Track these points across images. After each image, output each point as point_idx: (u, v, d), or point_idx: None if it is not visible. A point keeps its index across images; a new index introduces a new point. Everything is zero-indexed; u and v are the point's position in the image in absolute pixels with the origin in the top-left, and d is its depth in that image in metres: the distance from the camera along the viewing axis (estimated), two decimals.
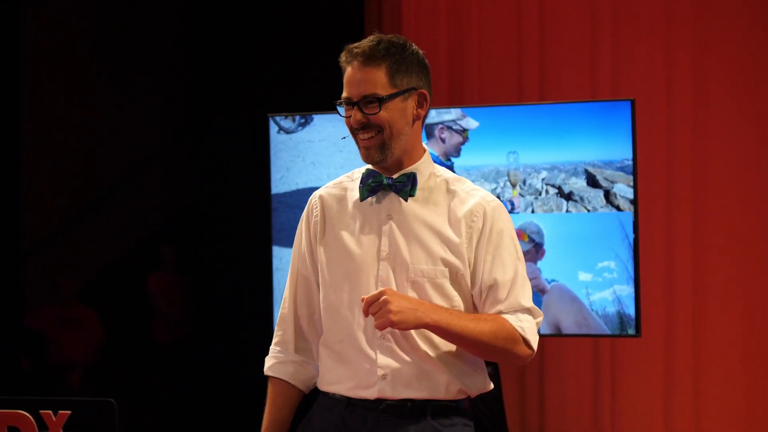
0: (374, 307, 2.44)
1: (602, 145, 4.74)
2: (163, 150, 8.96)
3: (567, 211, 4.77)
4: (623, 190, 4.70)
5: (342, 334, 2.61)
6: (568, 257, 4.79)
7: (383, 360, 2.56)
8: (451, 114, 4.90)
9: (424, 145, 2.67)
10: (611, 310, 4.74)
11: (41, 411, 3.39)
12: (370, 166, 2.64)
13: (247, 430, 3.77)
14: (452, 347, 2.56)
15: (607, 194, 4.72)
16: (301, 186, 4.99)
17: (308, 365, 2.73)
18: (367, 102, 2.55)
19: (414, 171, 2.61)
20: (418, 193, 2.61)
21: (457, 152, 4.89)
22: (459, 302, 2.58)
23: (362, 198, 2.62)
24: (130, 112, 8.80)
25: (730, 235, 5.67)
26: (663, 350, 5.75)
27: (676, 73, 5.77)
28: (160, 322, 7.90)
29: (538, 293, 4.78)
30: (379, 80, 2.55)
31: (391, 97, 2.55)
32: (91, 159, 8.62)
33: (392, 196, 2.61)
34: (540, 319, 2.62)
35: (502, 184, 4.82)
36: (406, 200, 2.59)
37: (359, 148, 2.60)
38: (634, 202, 4.69)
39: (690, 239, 5.72)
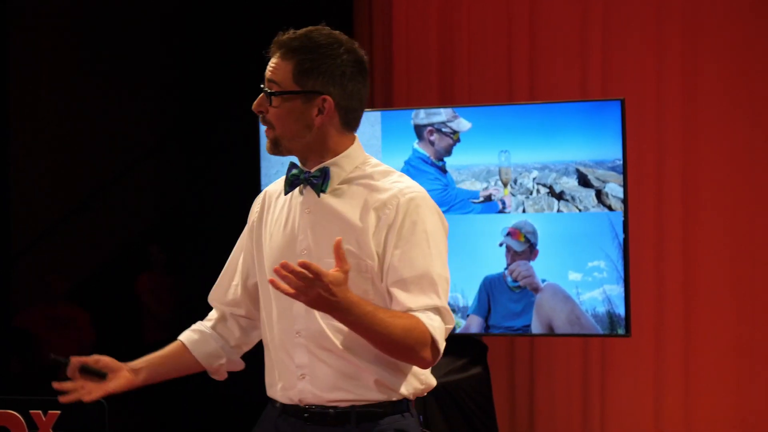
0: (309, 280, 2.26)
1: (593, 144, 4.75)
2: (152, 150, 8.94)
3: (558, 210, 4.77)
4: (615, 189, 4.70)
5: (270, 334, 2.58)
6: (558, 257, 4.79)
7: (300, 359, 2.50)
8: (441, 115, 4.89)
9: (354, 136, 2.57)
10: (601, 309, 4.74)
11: (31, 411, 3.39)
12: (293, 158, 2.58)
13: (236, 431, 3.77)
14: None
15: (599, 194, 4.72)
16: None
17: (217, 342, 2.72)
18: (266, 93, 2.50)
19: (329, 166, 2.51)
20: (336, 187, 2.50)
21: (448, 152, 4.88)
22: (373, 297, 2.45)
23: (285, 192, 2.57)
24: (120, 112, 8.78)
25: (720, 234, 5.68)
26: (653, 350, 5.75)
27: (665, 72, 5.77)
28: (149, 322, 7.89)
29: (532, 292, 4.78)
30: (284, 74, 2.48)
31: (286, 94, 2.47)
32: (80, 159, 8.61)
33: (311, 190, 2.53)
34: (451, 326, 2.45)
35: (493, 183, 4.82)
36: (319, 195, 2.50)
37: None
38: (624, 201, 4.70)
39: (680, 239, 5.72)
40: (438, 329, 2.41)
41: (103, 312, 8.01)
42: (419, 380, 2.54)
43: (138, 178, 8.89)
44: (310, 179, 2.51)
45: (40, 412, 3.38)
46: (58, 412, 3.38)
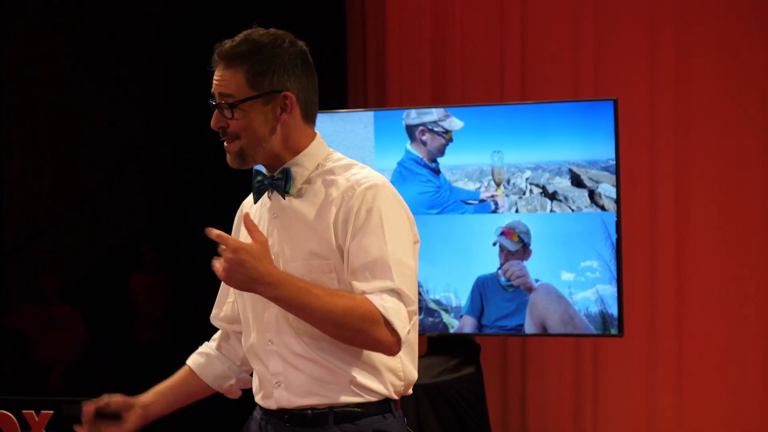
0: (225, 252, 2.27)
1: (586, 145, 4.75)
2: (145, 149, 8.93)
3: (551, 210, 4.78)
4: (608, 190, 4.70)
5: (247, 343, 2.57)
6: (550, 257, 4.79)
7: (274, 367, 2.48)
8: (432, 115, 4.89)
9: (316, 133, 2.54)
10: (594, 309, 4.74)
11: (24, 411, 3.39)
12: (258, 166, 2.54)
13: (228, 431, 3.77)
14: (347, 347, 2.41)
15: (592, 194, 4.72)
16: None
17: (223, 363, 2.71)
18: (223, 107, 2.45)
19: (291, 166, 2.48)
20: (299, 187, 2.48)
21: (441, 152, 4.88)
22: None
23: (254, 199, 2.56)
24: (112, 111, 8.77)
25: (713, 234, 5.69)
26: (646, 350, 5.76)
27: (658, 72, 5.78)
28: (142, 321, 7.89)
29: (525, 291, 4.78)
30: (236, 83, 2.44)
31: (245, 101, 2.43)
32: (73, 158, 8.60)
33: (277, 194, 2.50)
34: (413, 308, 2.39)
35: (486, 183, 4.82)
36: (284, 197, 2.48)
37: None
38: (617, 201, 4.70)
39: (673, 239, 5.73)
40: (392, 309, 2.33)
41: (96, 312, 8.00)
42: (397, 376, 2.48)
43: (130, 177, 8.88)
44: (274, 183, 2.48)
45: (32, 412, 3.38)
46: (51, 412, 3.38)
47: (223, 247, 2.27)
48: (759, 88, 5.65)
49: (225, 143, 2.48)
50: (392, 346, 2.36)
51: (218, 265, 2.29)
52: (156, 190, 8.86)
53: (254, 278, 2.28)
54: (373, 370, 2.46)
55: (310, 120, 2.52)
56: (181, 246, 7.45)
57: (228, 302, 2.73)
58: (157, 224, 8.74)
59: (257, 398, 2.58)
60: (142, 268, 8.05)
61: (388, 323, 2.32)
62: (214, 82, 2.48)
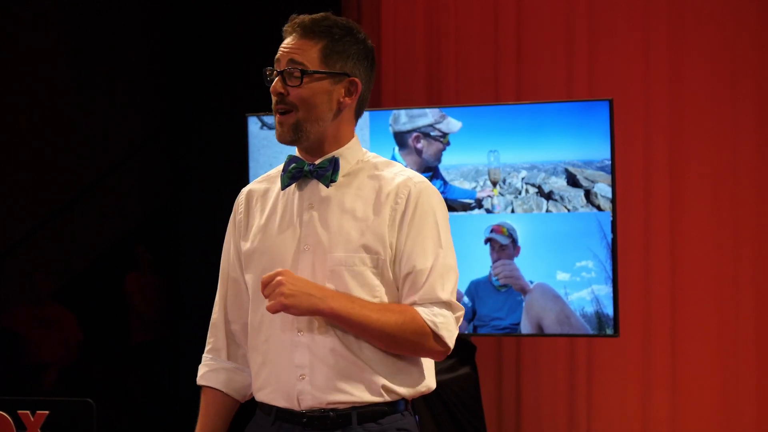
0: (269, 288, 2.32)
1: (582, 144, 4.75)
2: (139, 149, 8.93)
3: (547, 210, 4.77)
4: (604, 189, 4.71)
5: (267, 332, 2.46)
6: (546, 257, 4.79)
7: (301, 359, 2.41)
8: (427, 117, 4.87)
9: (355, 132, 2.52)
10: (589, 309, 4.74)
11: (19, 411, 3.38)
12: (294, 152, 2.50)
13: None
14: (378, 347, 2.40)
15: (588, 194, 4.73)
16: None
17: (242, 372, 2.60)
18: (291, 73, 2.41)
19: (337, 156, 2.46)
20: (341, 179, 2.45)
21: (438, 159, 4.85)
22: (382, 292, 2.41)
23: (283, 186, 2.48)
24: (106, 111, 8.76)
25: (707, 234, 5.70)
26: (641, 350, 5.76)
27: (653, 73, 5.79)
28: (137, 322, 7.88)
29: (518, 292, 4.78)
30: (310, 54, 2.41)
31: (317, 73, 2.41)
32: (67, 158, 8.59)
33: (314, 184, 2.46)
34: (460, 314, 2.43)
35: (482, 183, 4.82)
36: (328, 186, 2.44)
37: (275, 124, 2.46)
38: (612, 201, 4.70)
39: (668, 239, 5.74)
40: (441, 323, 2.38)
41: (91, 312, 7.99)
42: (423, 382, 2.50)
43: (124, 177, 8.87)
44: (317, 170, 2.45)
45: (28, 412, 3.37)
46: (47, 412, 3.37)
47: (278, 279, 2.31)
48: (753, 87, 5.66)
49: (279, 115, 2.44)
50: (440, 355, 2.44)
51: (272, 302, 2.32)
52: (150, 190, 8.86)
53: (309, 293, 2.33)
54: (402, 374, 2.45)
55: (357, 117, 2.53)
56: (176, 246, 7.45)
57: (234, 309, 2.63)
58: (151, 224, 8.74)
59: (262, 394, 2.48)
60: (137, 268, 8.05)
61: (436, 336, 2.39)
62: (284, 49, 2.44)
